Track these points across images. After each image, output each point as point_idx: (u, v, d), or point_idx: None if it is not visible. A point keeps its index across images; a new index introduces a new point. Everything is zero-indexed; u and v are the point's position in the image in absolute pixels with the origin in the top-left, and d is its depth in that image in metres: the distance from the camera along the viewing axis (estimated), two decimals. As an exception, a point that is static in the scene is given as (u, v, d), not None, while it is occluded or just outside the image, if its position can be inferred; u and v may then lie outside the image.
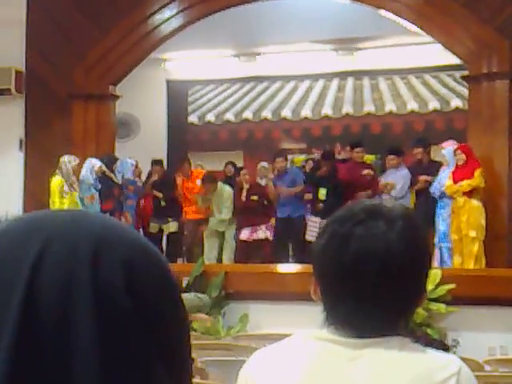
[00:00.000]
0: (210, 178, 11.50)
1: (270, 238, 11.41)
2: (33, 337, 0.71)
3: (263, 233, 11.40)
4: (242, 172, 12.02)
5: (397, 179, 10.69)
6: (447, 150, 10.00)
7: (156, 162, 12.21)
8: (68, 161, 10.75)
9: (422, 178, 10.40)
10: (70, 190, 10.68)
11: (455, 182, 9.55)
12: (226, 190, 11.47)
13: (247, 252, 11.57)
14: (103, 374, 0.71)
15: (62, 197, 10.57)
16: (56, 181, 10.65)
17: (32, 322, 0.71)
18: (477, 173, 9.50)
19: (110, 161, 11.25)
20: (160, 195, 11.78)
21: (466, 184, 9.45)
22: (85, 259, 0.73)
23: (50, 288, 0.71)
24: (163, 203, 11.84)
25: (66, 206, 10.17)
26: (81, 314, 0.71)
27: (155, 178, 11.89)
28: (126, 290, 0.73)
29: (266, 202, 11.58)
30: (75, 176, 10.78)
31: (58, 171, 10.72)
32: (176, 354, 0.76)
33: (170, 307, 0.77)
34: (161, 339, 0.74)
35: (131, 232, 0.78)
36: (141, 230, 11.44)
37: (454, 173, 9.63)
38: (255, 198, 11.56)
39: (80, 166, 10.90)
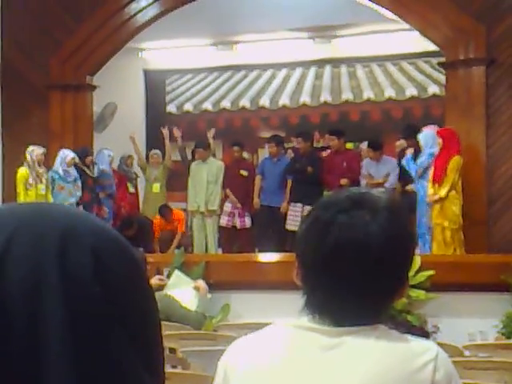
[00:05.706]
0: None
1: (248, 226, 11.39)
2: (1, 329, 0.70)
3: (241, 220, 11.36)
4: (234, 149, 11.78)
5: (380, 171, 10.72)
6: (426, 134, 9.90)
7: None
8: (32, 150, 10.38)
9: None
10: (35, 182, 10.29)
11: (435, 167, 9.47)
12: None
13: (226, 239, 11.55)
14: (75, 363, 0.70)
15: (26, 189, 10.21)
16: (21, 172, 10.30)
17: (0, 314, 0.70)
18: (451, 165, 9.33)
19: (83, 153, 11.05)
20: None
21: (443, 194, 9.32)
22: (52, 249, 0.72)
23: (17, 279, 0.71)
24: None
25: (31, 199, 9.87)
26: (50, 304, 0.71)
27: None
28: (94, 277, 0.72)
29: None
30: (43, 167, 10.44)
31: (25, 162, 10.40)
32: (146, 340, 0.76)
33: (139, 294, 0.77)
34: (131, 325, 0.74)
35: (97, 221, 0.78)
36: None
37: (435, 158, 9.52)
38: (244, 173, 11.47)
39: (52, 156, 10.69)
